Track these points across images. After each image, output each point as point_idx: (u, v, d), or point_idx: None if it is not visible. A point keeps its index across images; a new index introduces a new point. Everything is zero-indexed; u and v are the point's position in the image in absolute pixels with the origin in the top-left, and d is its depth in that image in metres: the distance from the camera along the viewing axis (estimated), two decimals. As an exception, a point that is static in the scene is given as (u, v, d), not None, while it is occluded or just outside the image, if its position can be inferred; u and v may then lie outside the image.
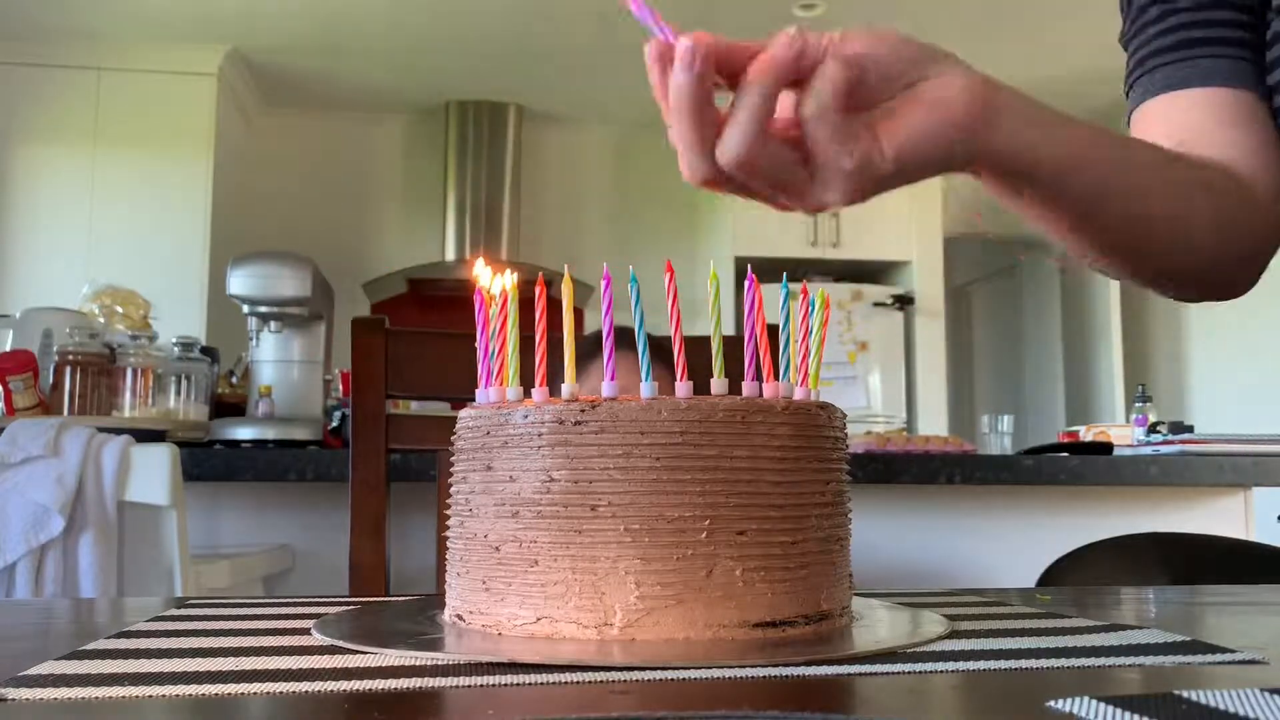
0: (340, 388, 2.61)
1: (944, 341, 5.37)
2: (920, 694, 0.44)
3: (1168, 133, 0.85)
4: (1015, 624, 0.63)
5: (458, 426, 0.61)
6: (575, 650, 0.51)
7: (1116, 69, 0.94)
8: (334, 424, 2.39)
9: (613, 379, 0.57)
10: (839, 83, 0.52)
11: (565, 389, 0.57)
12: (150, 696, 0.43)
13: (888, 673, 0.47)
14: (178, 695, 0.43)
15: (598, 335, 1.20)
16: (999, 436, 2.93)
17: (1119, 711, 0.37)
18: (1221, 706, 0.38)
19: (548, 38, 4.72)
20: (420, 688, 0.44)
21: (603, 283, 0.60)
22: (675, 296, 0.58)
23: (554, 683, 0.45)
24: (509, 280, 0.62)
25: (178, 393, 2.19)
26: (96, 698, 0.42)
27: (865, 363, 5.06)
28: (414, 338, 1.22)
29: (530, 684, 0.45)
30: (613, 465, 0.54)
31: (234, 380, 2.56)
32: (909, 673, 0.47)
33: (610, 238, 5.47)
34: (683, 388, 0.57)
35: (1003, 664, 0.49)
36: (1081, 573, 1.51)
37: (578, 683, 0.45)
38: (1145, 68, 0.89)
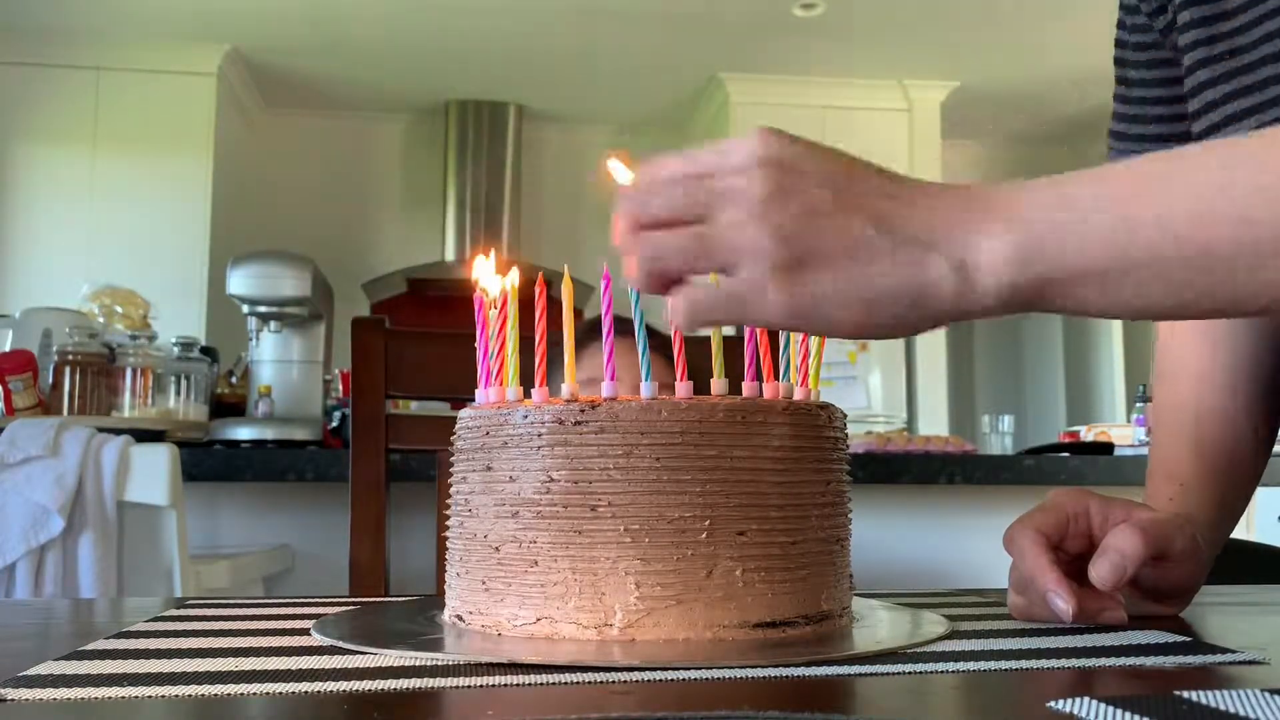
0: (340, 388, 2.61)
1: (944, 341, 5.37)
2: (920, 694, 0.44)
3: None
4: (1015, 624, 0.63)
5: (457, 426, 0.61)
6: (575, 650, 0.51)
7: (1101, 69, 0.93)
8: (334, 424, 2.39)
9: (613, 379, 0.57)
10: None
11: (565, 389, 0.57)
12: (150, 697, 0.43)
13: (888, 673, 0.47)
14: (178, 695, 0.43)
15: (591, 322, 1.20)
16: (999, 436, 2.93)
17: (1119, 711, 0.37)
18: (1221, 707, 0.38)
19: (548, 38, 4.72)
20: (420, 688, 0.44)
21: (603, 282, 0.60)
22: (675, 296, 0.58)
23: (554, 683, 0.45)
24: (513, 279, 0.62)
25: (177, 393, 2.19)
26: (96, 698, 0.42)
27: (865, 363, 5.06)
28: (414, 338, 1.22)
29: (530, 684, 0.45)
30: (613, 465, 0.54)
31: (234, 380, 2.56)
32: (909, 673, 0.47)
33: (610, 238, 5.46)
34: (683, 388, 0.57)
35: (1003, 664, 0.49)
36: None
37: (578, 683, 0.45)
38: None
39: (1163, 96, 0.83)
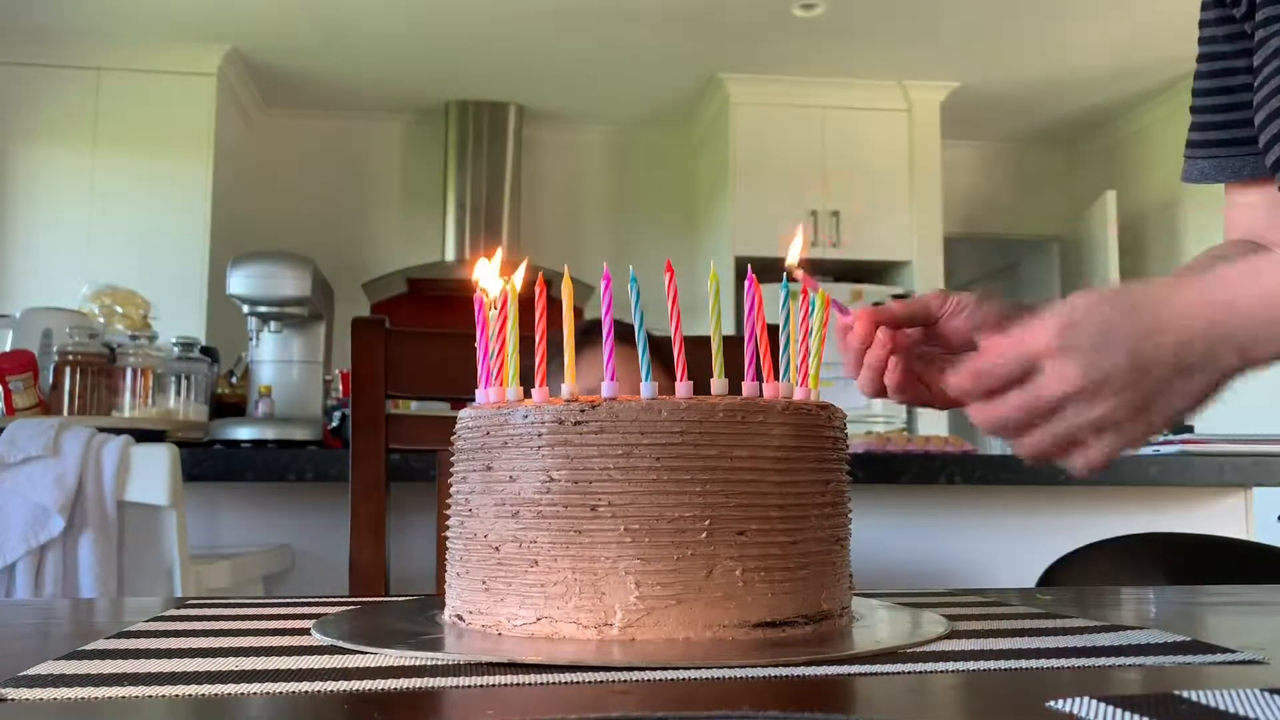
0: (340, 388, 2.61)
1: (944, 341, 5.34)
2: (920, 694, 0.44)
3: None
4: (1015, 624, 0.63)
5: (458, 426, 0.61)
6: (575, 650, 0.51)
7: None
8: (334, 424, 2.39)
9: (613, 378, 0.57)
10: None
11: (565, 389, 0.57)
12: (150, 696, 0.43)
13: (888, 673, 0.47)
14: (178, 695, 0.43)
15: (589, 324, 1.20)
16: (999, 436, 2.93)
17: (1119, 711, 0.37)
18: (1221, 706, 0.38)
19: (548, 38, 4.72)
20: (420, 688, 0.44)
21: (603, 283, 0.60)
22: (675, 296, 0.58)
23: (554, 683, 0.45)
24: (516, 280, 0.62)
25: (177, 393, 2.19)
26: (96, 698, 0.42)
27: (865, 363, 5.05)
28: (414, 338, 1.22)
29: (530, 684, 0.45)
30: (613, 465, 0.54)
31: (234, 380, 2.56)
32: (909, 673, 0.47)
33: (610, 237, 5.47)
34: (683, 388, 0.57)
35: (1003, 664, 0.49)
36: (1081, 573, 1.50)
37: (578, 683, 0.45)
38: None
39: (1228, 85, 0.84)
